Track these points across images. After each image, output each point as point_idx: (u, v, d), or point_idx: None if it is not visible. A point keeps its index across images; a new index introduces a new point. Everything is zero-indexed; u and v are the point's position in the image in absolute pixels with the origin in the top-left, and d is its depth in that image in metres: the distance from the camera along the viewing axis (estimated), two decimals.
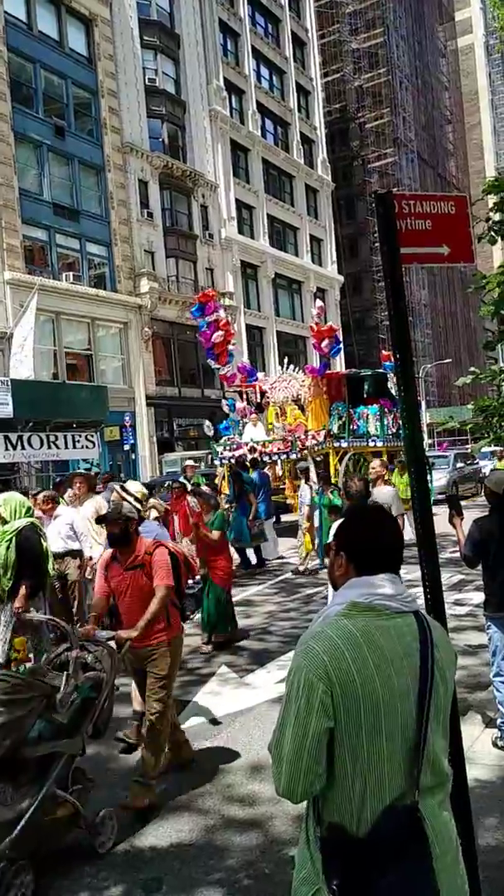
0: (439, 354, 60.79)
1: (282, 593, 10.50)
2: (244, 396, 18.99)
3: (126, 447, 25.31)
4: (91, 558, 8.08)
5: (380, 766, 1.75)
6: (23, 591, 6.12)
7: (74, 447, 20.48)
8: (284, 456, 16.15)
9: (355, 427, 16.66)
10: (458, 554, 5.13)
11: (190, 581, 8.24)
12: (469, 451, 26.35)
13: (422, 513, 2.79)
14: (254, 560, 12.86)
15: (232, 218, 35.87)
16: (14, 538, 6.23)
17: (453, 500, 4.94)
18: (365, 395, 17.63)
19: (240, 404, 18.62)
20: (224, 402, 19.54)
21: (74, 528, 8.08)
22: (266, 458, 16.26)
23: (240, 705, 5.90)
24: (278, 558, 13.58)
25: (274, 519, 16.17)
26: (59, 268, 26.48)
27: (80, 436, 20.73)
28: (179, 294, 31.05)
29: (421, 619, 1.88)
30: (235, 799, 4.28)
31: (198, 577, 8.57)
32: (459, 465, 24.68)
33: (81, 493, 8.99)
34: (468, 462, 25.46)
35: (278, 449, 16.21)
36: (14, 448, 18.57)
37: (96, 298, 27.14)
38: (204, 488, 10.07)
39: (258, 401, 18.64)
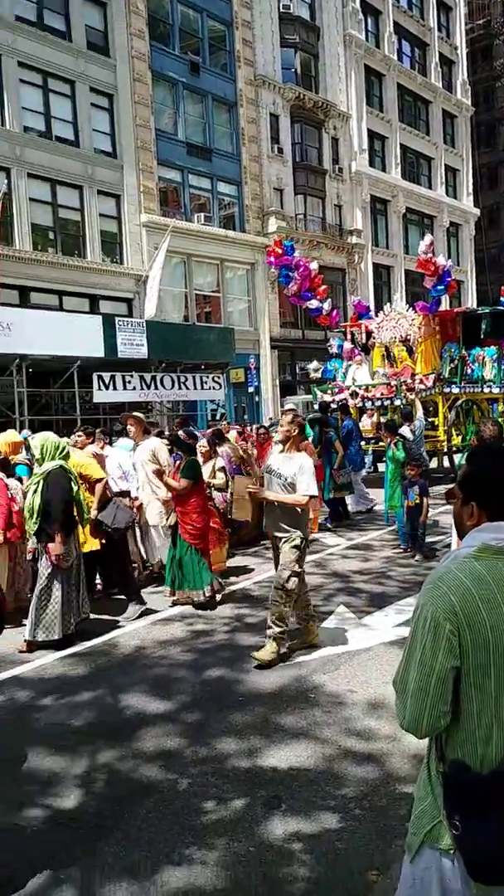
0: None
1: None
2: (351, 336, 17.80)
3: (250, 389, 25.74)
4: (137, 499, 8.22)
5: None
6: (58, 538, 6.12)
7: (202, 388, 21.04)
8: (388, 402, 15.12)
9: (469, 371, 15.61)
10: None
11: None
12: None
13: None
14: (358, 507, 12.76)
15: (363, 150, 34.85)
16: (42, 481, 6.24)
17: None
18: (482, 336, 16.32)
19: (347, 345, 17.41)
20: (332, 342, 18.26)
21: (123, 468, 8.16)
22: (368, 404, 15.46)
23: (358, 645, 6.13)
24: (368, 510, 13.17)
25: (371, 468, 15.75)
26: (191, 209, 26.81)
27: (207, 377, 21.25)
28: (307, 233, 30.75)
29: None
30: (353, 732, 4.56)
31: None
32: None
33: (136, 435, 8.76)
34: None
35: (382, 394, 15.30)
36: (148, 388, 19.31)
37: (225, 239, 27.36)
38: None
39: (364, 342, 17.48)
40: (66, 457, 6.52)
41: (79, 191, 23.28)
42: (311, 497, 5.72)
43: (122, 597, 7.57)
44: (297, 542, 5.71)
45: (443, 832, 1.83)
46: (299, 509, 5.74)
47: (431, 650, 1.77)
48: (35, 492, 6.21)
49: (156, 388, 19.55)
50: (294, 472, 5.68)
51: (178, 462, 8.11)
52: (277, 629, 5.65)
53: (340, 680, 5.40)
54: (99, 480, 7.43)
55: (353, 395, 15.45)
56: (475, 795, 1.75)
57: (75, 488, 6.38)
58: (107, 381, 18.28)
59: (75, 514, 6.42)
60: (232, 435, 15.01)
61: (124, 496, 7.89)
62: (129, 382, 18.77)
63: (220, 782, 4.01)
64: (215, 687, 5.37)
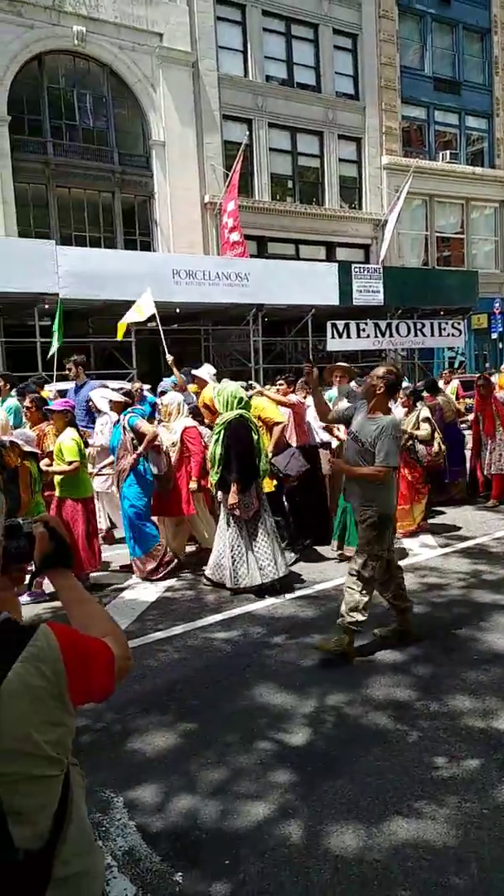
0: None
1: None
2: None
3: (493, 336, 24.31)
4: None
5: None
6: (234, 488, 6.02)
7: (440, 335, 20.27)
8: None
9: None
10: None
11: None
12: None
13: None
14: None
15: None
16: (223, 431, 6.12)
17: None
18: None
19: None
20: None
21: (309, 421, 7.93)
22: None
23: None
24: None
25: None
26: (435, 147, 25.60)
27: (446, 323, 20.42)
28: None
29: None
30: None
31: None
32: None
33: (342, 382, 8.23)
34: None
35: None
36: (383, 335, 18.97)
37: (472, 177, 25.84)
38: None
39: None
40: (246, 406, 6.42)
41: (319, 137, 23.08)
42: (390, 468, 4.82)
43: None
44: (374, 519, 4.87)
45: None
46: (378, 482, 4.90)
47: None
48: (216, 441, 6.20)
49: (391, 335, 19.17)
50: (373, 438, 4.80)
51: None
52: (349, 619, 4.87)
53: None
54: (277, 424, 7.26)
55: None
56: None
57: (256, 437, 6.28)
58: (340, 329, 18.22)
59: (258, 464, 6.28)
60: (453, 385, 14.20)
61: (325, 448, 7.86)
62: (364, 330, 18.57)
63: (452, 739, 3.83)
64: (449, 642, 5.13)
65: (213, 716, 4.20)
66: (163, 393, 8.73)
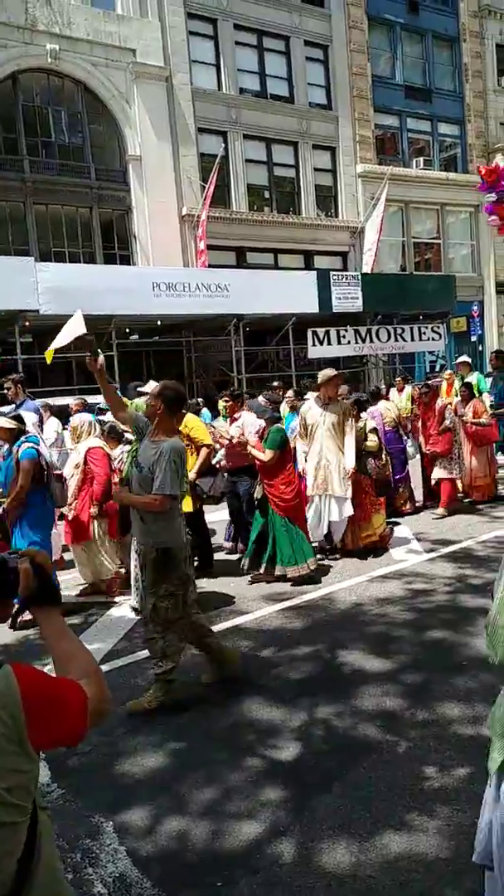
0: None
1: None
2: None
3: (473, 338, 24.46)
4: None
5: None
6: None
7: (420, 339, 20.41)
8: None
9: None
10: None
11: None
12: None
13: None
14: None
15: None
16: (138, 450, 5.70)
17: None
18: None
19: None
20: None
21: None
22: None
23: None
24: None
25: None
26: (409, 154, 25.82)
27: (426, 328, 20.56)
28: None
29: None
30: None
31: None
32: None
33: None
34: None
35: None
36: (363, 341, 19.09)
37: (446, 182, 26.08)
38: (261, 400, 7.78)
39: None
40: None
41: (293, 147, 23.19)
42: (167, 496, 4.33)
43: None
44: (154, 556, 4.44)
45: None
46: (157, 513, 4.42)
47: None
48: (130, 462, 5.89)
49: (371, 341, 19.29)
50: (152, 463, 4.37)
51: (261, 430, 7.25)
52: (157, 670, 4.53)
53: None
54: (205, 445, 7.03)
55: None
56: None
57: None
58: (321, 337, 18.30)
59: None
60: (407, 392, 14.13)
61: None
62: (344, 337, 18.67)
63: (442, 747, 3.82)
64: (436, 648, 5.14)
65: (203, 733, 4.18)
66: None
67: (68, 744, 1.53)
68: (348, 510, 7.58)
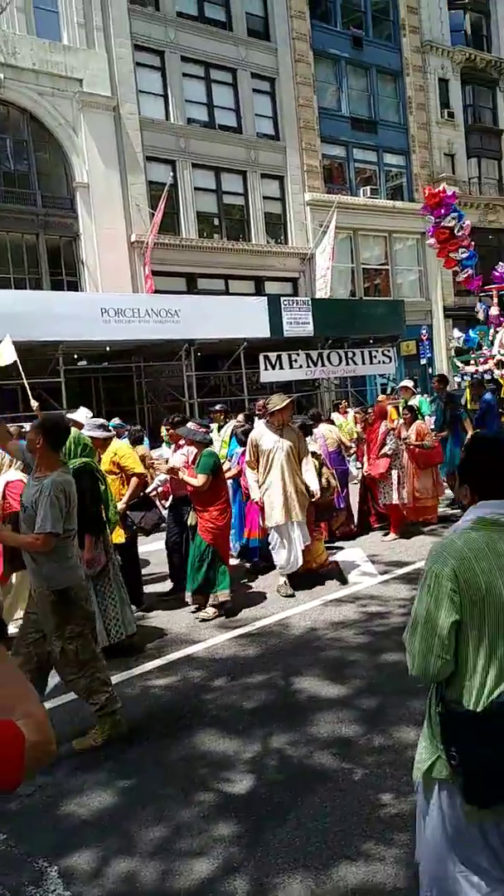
0: None
1: None
2: (499, 300, 15.27)
3: (423, 361, 24.85)
4: None
5: (501, 656, 2.06)
6: (87, 542, 5.41)
7: (371, 363, 20.64)
8: None
9: None
10: None
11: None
12: None
13: None
14: None
15: None
16: None
17: None
18: None
19: (494, 310, 15.10)
20: (478, 306, 15.92)
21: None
22: None
23: None
24: None
25: None
26: (356, 183, 26.34)
27: (376, 351, 20.81)
28: (482, 196, 29.22)
29: None
30: None
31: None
32: None
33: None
34: None
35: None
36: (315, 365, 19.22)
37: (393, 211, 26.62)
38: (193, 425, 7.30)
39: None
40: (90, 454, 5.74)
41: (242, 176, 23.43)
42: (50, 534, 4.06)
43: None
44: (52, 598, 4.19)
45: (441, 765, 2.14)
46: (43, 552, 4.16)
47: (435, 606, 2.07)
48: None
49: (322, 364, 19.43)
50: (34, 500, 4.13)
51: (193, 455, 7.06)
52: (92, 708, 4.33)
53: None
54: (137, 475, 6.78)
55: (500, 364, 13.70)
56: (467, 731, 2.05)
57: (103, 487, 5.66)
58: (273, 361, 18.37)
59: (102, 514, 5.63)
60: (351, 414, 14.12)
61: None
62: (296, 361, 18.77)
63: (398, 773, 3.73)
64: (392, 672, 5.06)
65: (152, 769, 4.02)
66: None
67: (2, 790, 1.39)
68: (308, 535, 7.51)
